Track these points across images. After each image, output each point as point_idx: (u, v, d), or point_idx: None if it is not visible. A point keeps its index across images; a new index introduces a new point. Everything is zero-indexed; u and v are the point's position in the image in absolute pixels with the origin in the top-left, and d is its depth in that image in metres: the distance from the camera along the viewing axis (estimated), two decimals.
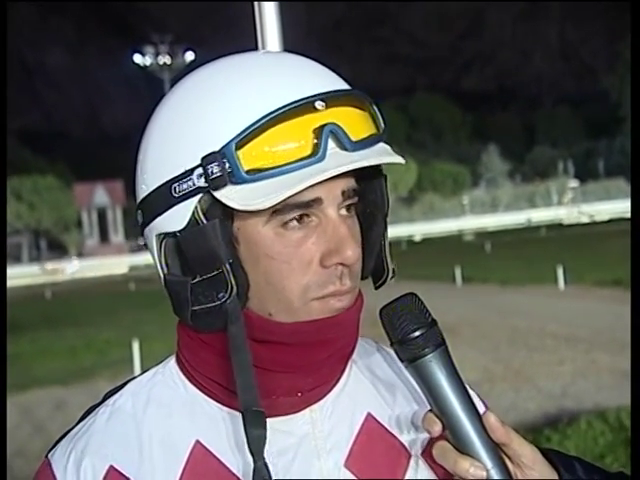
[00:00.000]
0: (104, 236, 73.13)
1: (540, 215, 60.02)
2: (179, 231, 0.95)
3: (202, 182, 0.93)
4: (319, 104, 0.92)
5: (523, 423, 7.46)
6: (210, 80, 0.99)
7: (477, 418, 0.97)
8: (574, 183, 72.10)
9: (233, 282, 0.94)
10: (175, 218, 0.96)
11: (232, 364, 0.95)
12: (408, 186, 71.15)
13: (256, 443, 0.94)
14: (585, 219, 55.40)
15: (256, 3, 2.25)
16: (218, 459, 1.00)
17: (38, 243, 66.52)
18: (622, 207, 50.42)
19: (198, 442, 1.01)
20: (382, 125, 0.99)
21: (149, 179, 0.99)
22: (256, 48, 2.13)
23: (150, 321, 16.98)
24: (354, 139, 0.94)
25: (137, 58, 69.66)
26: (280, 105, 0.91)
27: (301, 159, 0.91)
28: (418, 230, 57.27)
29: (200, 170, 0.93)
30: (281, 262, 0.94)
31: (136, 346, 10.74)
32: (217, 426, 1.02)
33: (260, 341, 0.97)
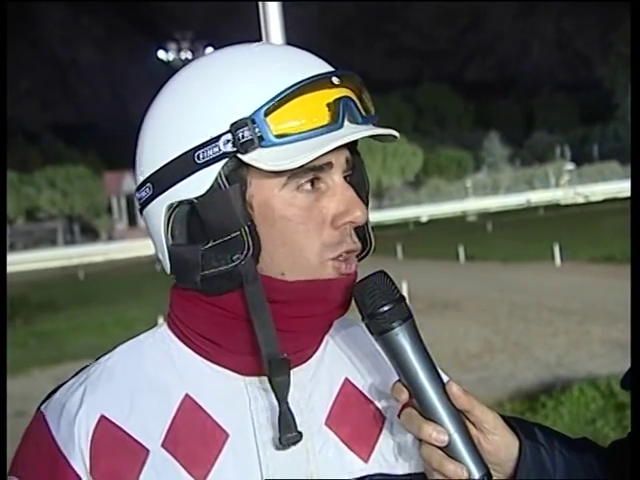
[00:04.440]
0: (132, 221, 73.13)
1: (538, 197, 59.50)
2: (197, 197, 0.96)
3: (229, 147, 0.94)
4: (335, 79, 0.97)
5: (521, 391, 7.40)
6: (231, 57, 1.01)
7: (441, 387, 0.98)
8: (570, 166, 71.50)
9: (250, 243, 0.95)
10: (196, 184, 0.95)
11: (253, 321, 0.96)
12: (415, 171, 70.66)
13: (280, 389, 0.96)
14: (581, 200, 54.90)
15: (260, 3, 2.23)
16: (206, 412, 1.00)
17: (72, 228, 66.62)
18: (615, 188, 49.99)
19: (187, 395, 1.01)
20: (373, 107, 1.03)
21: (167, 150, 0.97)
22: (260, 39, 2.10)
23: None
24: (364, 114, 0.99)
25: (161, 54, 69.40)
26: (303, 78, 0.95)
27: (323, 126, 0.95)
28: (424, 212, 56.90)
29: (228, 136, 0.94)
30: (297, 223, 0.96)
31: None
32: (206, 382, 1.02)
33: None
